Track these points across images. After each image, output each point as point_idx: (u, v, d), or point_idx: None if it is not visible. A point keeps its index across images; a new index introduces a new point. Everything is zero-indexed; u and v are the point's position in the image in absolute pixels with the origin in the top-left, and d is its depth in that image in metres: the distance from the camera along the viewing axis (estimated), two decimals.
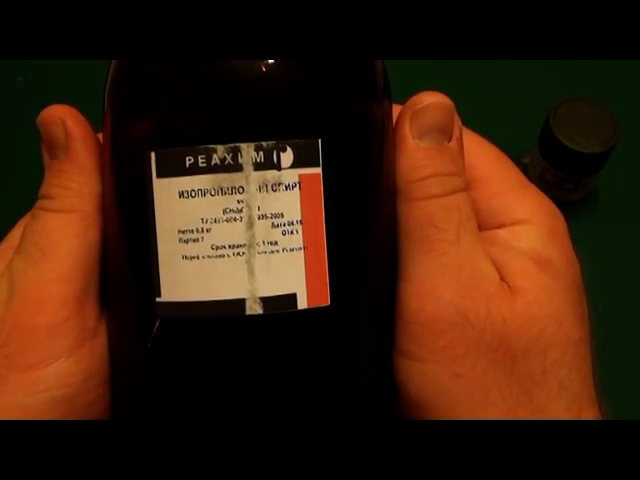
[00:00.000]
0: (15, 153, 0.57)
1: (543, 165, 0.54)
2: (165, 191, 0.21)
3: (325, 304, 0.21)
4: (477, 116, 0.59)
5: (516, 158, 0.59)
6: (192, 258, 0.21)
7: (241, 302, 0.20)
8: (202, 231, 0.21)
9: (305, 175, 0.21)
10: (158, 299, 0.21)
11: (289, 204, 0.21)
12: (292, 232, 0.21)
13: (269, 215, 0.21)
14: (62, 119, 0.23)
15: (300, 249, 0.21)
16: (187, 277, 0.21)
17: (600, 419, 0.23)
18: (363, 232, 0.22)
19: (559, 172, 0.54)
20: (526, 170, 0.58)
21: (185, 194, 0.21)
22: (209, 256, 0.20)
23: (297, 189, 0.21)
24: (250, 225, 0.20)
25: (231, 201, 0.20)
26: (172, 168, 0.21)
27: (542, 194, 0.25)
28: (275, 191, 0.21)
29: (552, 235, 0.24)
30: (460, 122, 0.24)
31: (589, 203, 0.57)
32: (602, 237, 0.56)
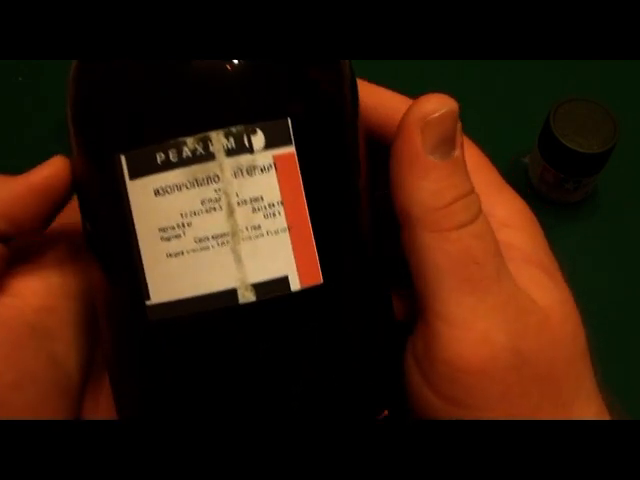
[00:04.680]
0: (15, 153, 0.57)
1: (543, 165, 0.54)
2: (140, 192, 0.20)
3: (318, 283, 0.21)
4: (477, 116, 0.60)
5: (516, 158, 0.59)
6: (176, 255, 0.20)
7: (232, 292, 0.20)
8: (183, 226, 0.20)
9: (279, 156, 0.20)
10: (148, 302, 0.21)
11: (267, 186, 0.20)
12: (274, 214, 0.20)
13: (248, 200, 0.20)
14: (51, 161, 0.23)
15: (285, 230, 0.20)
16: (174, 275, 0.20)
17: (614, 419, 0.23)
18: (346, 207, 0.22)
19: (559, 172, 0.54)
20: (526, 170, 0.58)
21: (161, 191, 0.20)
22: (193, 250, 0.20)
23: (273, 170, 0.20)
24: (231, 213, 0.20)
25: (208, 191, 0.20)
26: (144, 167, 0.20)
27: (519, 197, 0.24)
28: (251, 175, 0.20)
29: (535, 238, 0.24)
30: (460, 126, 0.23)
31: (589, 203, 0.57)
32: (602, 237, 0.56)
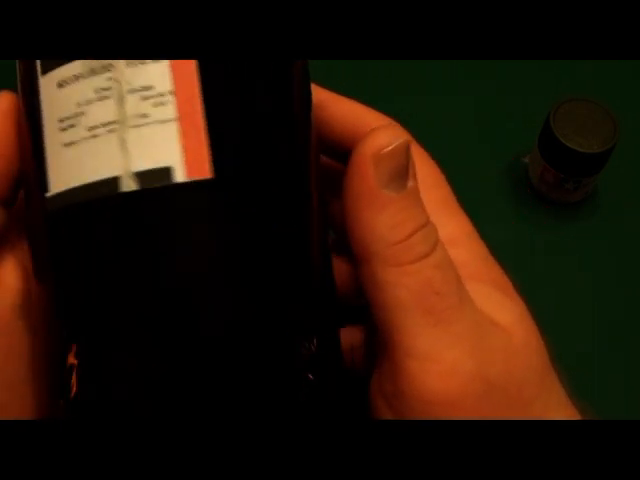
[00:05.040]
0: None
1: (543, 165, 0.54)
2: (48, 86, 0.21)
3: (206, 176, 0.20)
4: (477, 116, 0.60)
5: (516, 158, 0.59)
6: (71, 144, 0.20)
7: (115, 179, 0.20)
8: (78, 115, 0.20)
9: None
10: (47, 194, 0.21)
11: (158, 76, 0.20)
12: (163, 103, 0.20)
13: (139, 88, 0.20)
14: None
15: (173, 120, 0.20)
16: (68, 164, 0.21)
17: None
18: (250, 101, 0.21)
19: (559, 172, 0.54)
20: (526, 170, 0.58)
21: (63, 83, 0.21)
22: (85, 139, 0.20)
23: (166, 61, 0.20)
24: (120, 101, 0.20)
25: (101, 80, 0.20)
26: (52, 63, 0.21)
27: (465, 216, 0.24)
28: (144, 64, 0.20)
29: (483, 255, 0.24)
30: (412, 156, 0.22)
31: (589, 203, 0.57)
32: (602, 237, 0.56)
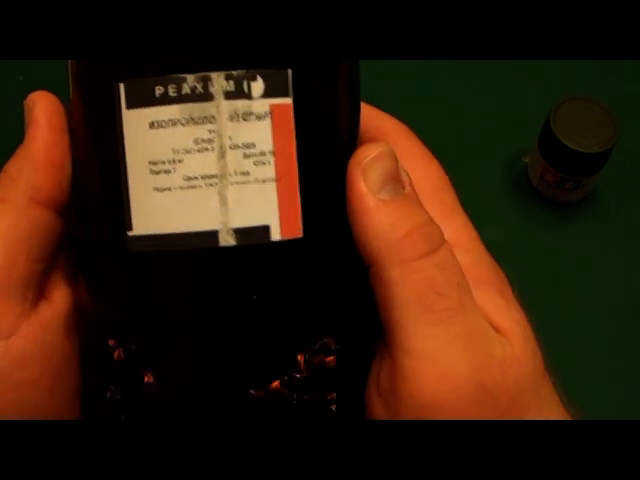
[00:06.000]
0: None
1: (543, 165, 0.54)
2: (135, 122, 0.21)
3: (298, 236, 0.21)
4: (477, 116, 0.60)
5: (516, 158, 0.59)
6: (164, 190, 0.20)
7: (214, 234, 0.20)
8: (174, 162, 0.20)
9: (276, 105, 0.21)
10: (130, 233, 0.21)
11: (261, 134, 0.20)
12: (264, 163, 0.21)
13: (241, 145, 0.20)
14: (33, 101, 0.23)
15: (273, 180, 0.21)
16: (159, 209, 0.21)
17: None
18: (335, 164, 0.22)
19: (559, 172, 0.54)
20: (526, 170, 0.58)
21: (156, 125, 0.20)
22: (181, 187, 0.20)
23: (268, 119, 0.20)
24: (222, 155, 0.20)
25: (202, 131, 0.20)
26: (142, 99, 0.20)
27: (467, 220, 0.25)
28: (246, 121, 0.20)
29: (483, 259, 0.24)
30: (403, 166, 0.23)
31: (589, 203, 0.57)
32: (602, 237, 0.56)
